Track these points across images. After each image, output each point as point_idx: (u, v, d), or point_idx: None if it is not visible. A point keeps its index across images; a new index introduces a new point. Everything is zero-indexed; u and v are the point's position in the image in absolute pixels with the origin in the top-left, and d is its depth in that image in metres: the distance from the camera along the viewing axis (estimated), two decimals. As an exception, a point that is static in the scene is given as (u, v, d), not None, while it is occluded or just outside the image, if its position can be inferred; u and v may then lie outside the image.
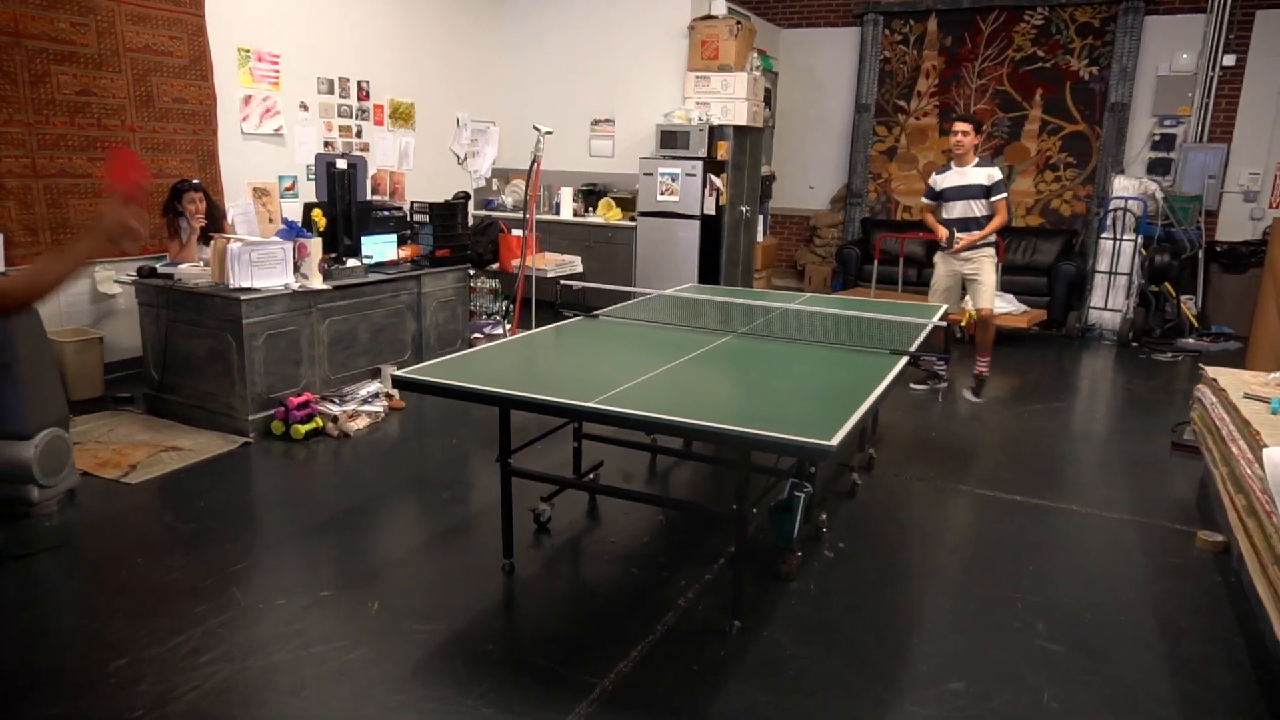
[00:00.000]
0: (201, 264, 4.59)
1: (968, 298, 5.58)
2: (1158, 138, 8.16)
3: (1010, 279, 7.68)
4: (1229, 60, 7.79)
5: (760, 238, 8.66)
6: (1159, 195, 7.62)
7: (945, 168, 5.48)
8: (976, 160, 5.37)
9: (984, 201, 5.32)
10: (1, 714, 2.02)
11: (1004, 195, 5.35)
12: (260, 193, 6.01)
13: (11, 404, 3.29)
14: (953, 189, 5.40)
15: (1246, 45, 7.75)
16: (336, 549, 3.27)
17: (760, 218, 8.60)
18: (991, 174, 5.32)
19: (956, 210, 5.41)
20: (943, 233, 5.48)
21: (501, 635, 2.76)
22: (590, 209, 7.96)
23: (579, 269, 6.80)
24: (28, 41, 4.59)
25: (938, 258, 5.63)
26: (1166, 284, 7.52)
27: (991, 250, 5.44)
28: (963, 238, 5.35)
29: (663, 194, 7.31)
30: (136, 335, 4.79)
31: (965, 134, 5.28)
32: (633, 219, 7.55)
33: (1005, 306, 7.12)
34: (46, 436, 3.36)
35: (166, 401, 4.59)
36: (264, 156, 6.03)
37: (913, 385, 5.62)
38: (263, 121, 5.98)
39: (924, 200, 5.67)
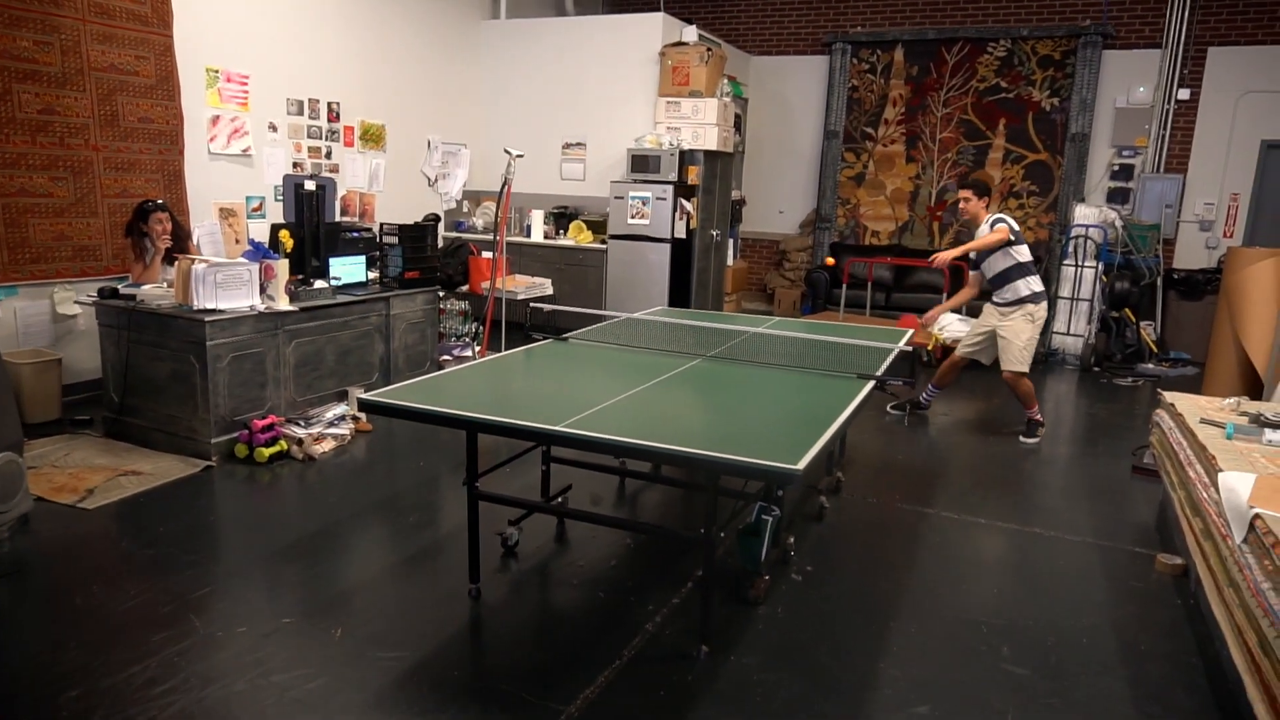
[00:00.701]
0: (165, 285, 4.53)
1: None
2: (1116, 168, 8.38)
3: (974, 304, 7.78)
4: (1184, 94, 8.03)
5: (730, 261, 8.73)
6: (1118, 223, 7.81)
7: (967, 236, 5.37)
8: (987, 218, 5.20)
9: (1004, 252, 5.14)
10: None
11: (991, 234, 5.08)
12: (227, 213, 5.95)
13: (-36, 427, 3.22)
14: (980, 253, 5.26)
15: (1200, 80, 7.99)
16: (300, 575, 3.22)
17: (730, 241, 8.67)
18: (991, 223, 5.14)
19: (985, 270, 5.29)
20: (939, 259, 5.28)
21: (467, 662, 2.73)
22: (561, 232, 7.98)
23: (549, 291, 6.81)
24: (-10, 58, 4.52)
25: (986, 306, 5.46)
26: (1127, 310, 7.68)
27: (1034, 307, 5.16)
28: (942, 255, 5.18)
29: (633, 217, 7.35)
30: (96, 357, 4.70)
31: (966, 200, 5.22)
32: (603, 242, 7.58)
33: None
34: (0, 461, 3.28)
35: (126, 424, 4.50)
36: (231, 177, 5.99)
37: (890, 409, 5.63)
38: (230, 142, 5.94)
39: (969, 269, 5.50)
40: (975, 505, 4.17)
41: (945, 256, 5.18)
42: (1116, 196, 8.35)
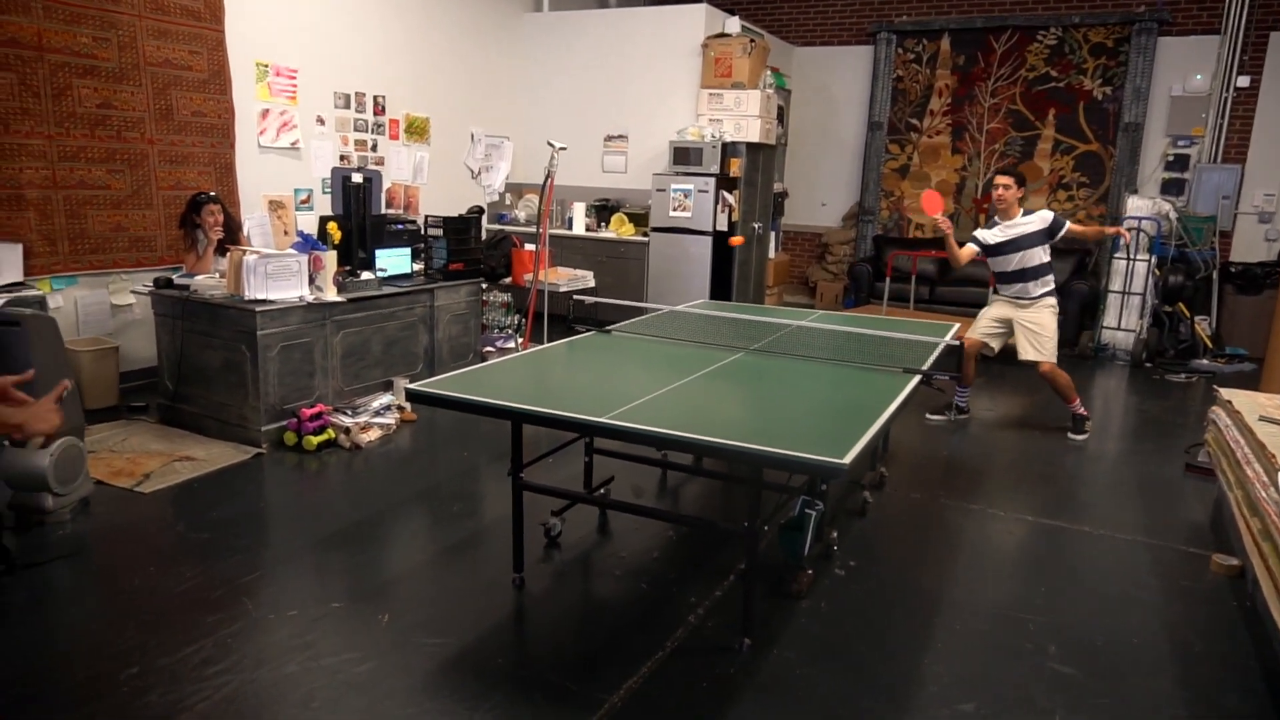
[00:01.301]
0: (217, 275, 4.63)
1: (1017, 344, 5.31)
2: (1171, 158, 8.16)
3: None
4: (1243, 81, 7.78)
5: (772, 254, 8.68)
6: (1173, 215, 7.61)
7: (991, 223, 5.24)
8: (1022, 211, 5.16)
9: (1044, 247, 5.11)
10: None
11: (1067, 225, 5.11)
12: (276, 205, 6.06)
13: (28, 412, 3.33)
14: (1008, 243, 5.15)
15: (1261, 66, 7.74)
16: (347, 561, 3.28)
17: (772, 234, 8.62)
18: (1044, 216, 5.11)
19: (1015, 262, 5.16)
20: (965, 252, 5.27)
21: (511, 649, 2.76)
22: (603, 224, 8.00)
23: (591, 284, 6.83)
24: (51, 55, 4.66)
25: (994, 298, 5.46)
26: (1180, 304, 7.48)
27: (1053, 300, 5.19)
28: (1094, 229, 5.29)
29: (675, 210, 7.34)
30: (152, 345, 4.83)
31: (1006, 188, 5.12)
32: (645, 235, 7.58)
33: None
34: (61, 445, 3.38)
35: (180, 411, 4.62)
36: (280, 170, 6.10)
37: (929, 416, 5.51)
38: (280, 135, 6.04)
39: (970, 246, 5.32)
40: (1021, 502, 4.10)
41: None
42: (1171, 188, 8.13)
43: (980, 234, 5.31)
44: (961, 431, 5.31)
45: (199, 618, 2.78)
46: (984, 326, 5.41)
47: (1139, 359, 7.25)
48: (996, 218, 5.28)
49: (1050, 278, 5.21)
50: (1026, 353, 5.20)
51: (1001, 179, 5.19)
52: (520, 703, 2.40)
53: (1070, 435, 5.19)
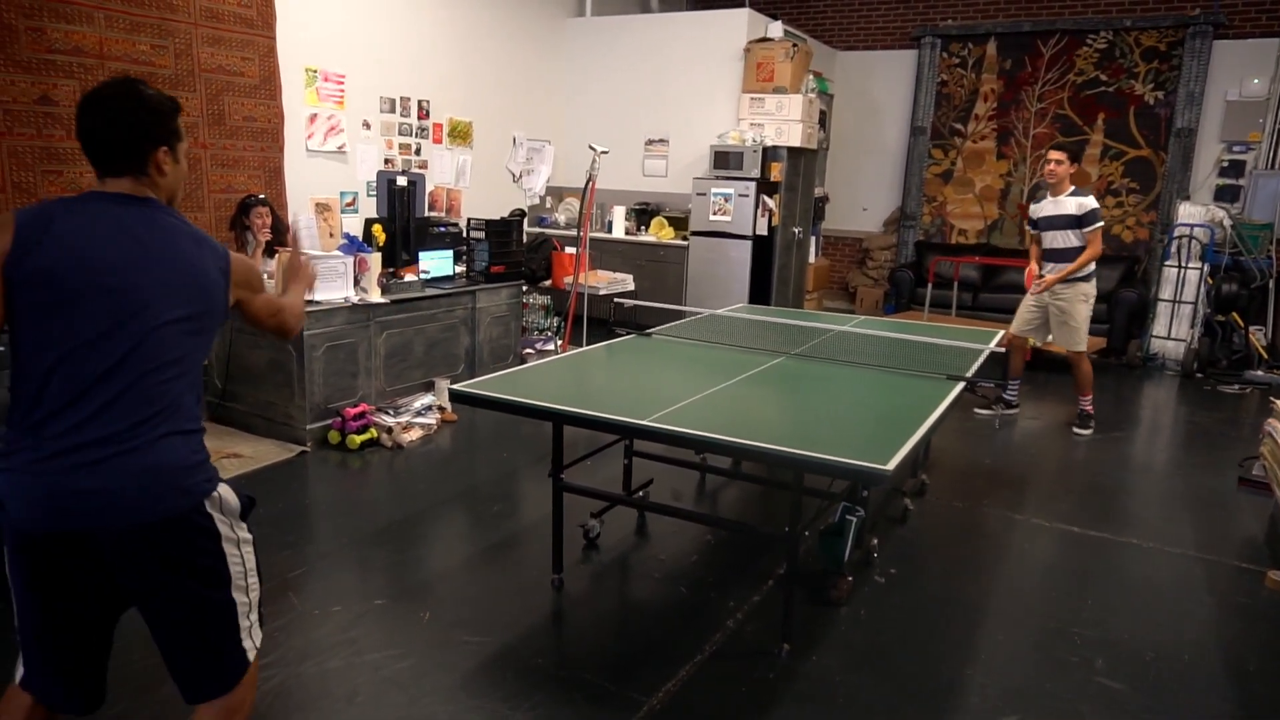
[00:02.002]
0: (265, 276, 4.71)
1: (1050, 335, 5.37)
2: (1226, 164, 7.95)
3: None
4: (1302, 85, 7.56)
5: (812, 259, 8.62)
6: (1227, 223, 7.41)
7: (1041, 197, 5.31)
8: (1071, 189, 5.15)
9: (1076, 232, 5.10)
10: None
11: (1098, 225, 5.07)
12: (322, 208, 6.17)
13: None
14: (1045, 219, 5.22)
15: (1321, 70, 7.52)
16: (390, 558, 3.32)
17: (812, 239, 8.57)
18: (1083, 203, 5.08)
19: (1047, 240, 5.24)
20: (1030, 272, 5.34)
21: (550, 650, 2.78)
22: (643, 228, 8.02)
23: (631, 287, 6.85)
24: (111, 63, 4.79)
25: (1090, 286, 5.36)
26: (1234, 314, 7.29)
27: (1088, 286, 5.18)
28: (1047, 278, 5.21)
29: (715, 214, 7.33)
30: (202, 344, 4.93)
31: (1059, 163, 5.10)
32: (685, 238, 7.58)
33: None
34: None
35: (229, 410, 4.72)
36: (327, 173, 6.20)
37: (977, 411, 5.50)
38: (327, 139, 6.15)
39: (1029, 230, 5.47)
40: (1067, 512, 4.03)
41: (1048, 282, 5.22)
42: (1225, 194, 7.93)
43: (1032, 207, 5.38)
44: (1005, 438, 5.23)
45: (246, 611, 2.83)
46: (1024, 317, 5.41)
47: (1190, 369, 7.08)
48: (1047, 191, 5.27)
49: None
50: (1056, 339, 5.27)
51: (1054, 154, 5.16)
52: (560, 703, 2.41)
53: (1075, 430, 5.26)
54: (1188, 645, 2.88)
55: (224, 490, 1.74)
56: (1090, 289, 5.22)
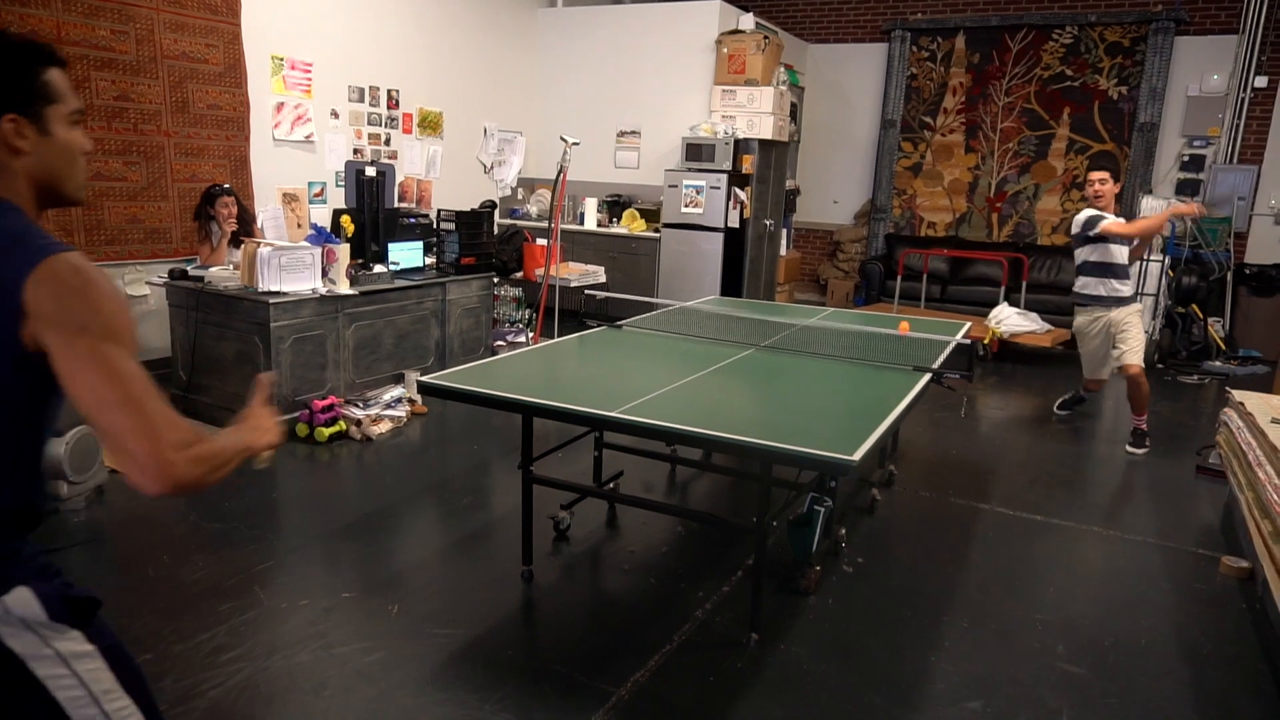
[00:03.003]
0: (231, 267, 4.66)
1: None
2: (1187, 158, 8.11)
3: (1034, 297, 7.65)
4: (1261, 82, 7.72)
5: (783, 251, 8.66)
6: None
7: (1095, 220, 4.94)
8: (1115, 210, 5.04)
9: (1090, 248, 4.95)
10: None
11: (1106, 221, 4.85)
12: (290, 198, 6.09)
13: (45, 401, 3.35)
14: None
15: (1279, 67, 7.68)
16: (359, 552, 3.30)
17: (784, 231, 8.61)
18: (1080, 219, 4.96)
19: (1119, 255, 4.98)
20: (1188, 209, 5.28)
21: (521, 641, 2.78)
22: (614, 220, 8.01)
23: (602, 279, 6.84)
24: (69, 48, 4.68)
25: (1080, 314, 5.17)
26: (1194, 306, 7.44)
27: (1139, 305, 5.09)
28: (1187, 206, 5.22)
29: (687, 206, 7.34)
30: (166, 336, 4.86)
31: (1103, 183, 4.94)
32: (657, 230, 7.58)
33: (1028, 325, 7.07)
34: (77, 434, 3.43)
35: (194, 402, 4.65)
36: (294, 163, 6.12)
37: (1056, 410, 5.51)
38: (294, 128, 6.07)
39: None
40: (1031, 502, 4.10)
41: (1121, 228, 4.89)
42: (1186, 188, 8.08)
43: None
44: (971, 430, 5.30)
45: (212, 606, 2.81)
46: (1095, 356, 5.21)
47: (1151, 360, 7.21)
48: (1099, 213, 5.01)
49: (1085, 279, 5.05)
50: (1122, 358, 4.98)
51: (1098, 174, 4.97)
52: (530, 694, 2.42)
53: (1129, 448, 4.96)
54: (1145, 630, 2.95)
55: (16, 597, 1.23)
56: (1139, 306, 5.12)
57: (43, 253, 1.17)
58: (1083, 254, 5.05)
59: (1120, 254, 4.98)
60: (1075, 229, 5.03)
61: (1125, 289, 5.02)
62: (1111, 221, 4.89)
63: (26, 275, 1.14)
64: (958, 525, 3.83)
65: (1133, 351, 4.96)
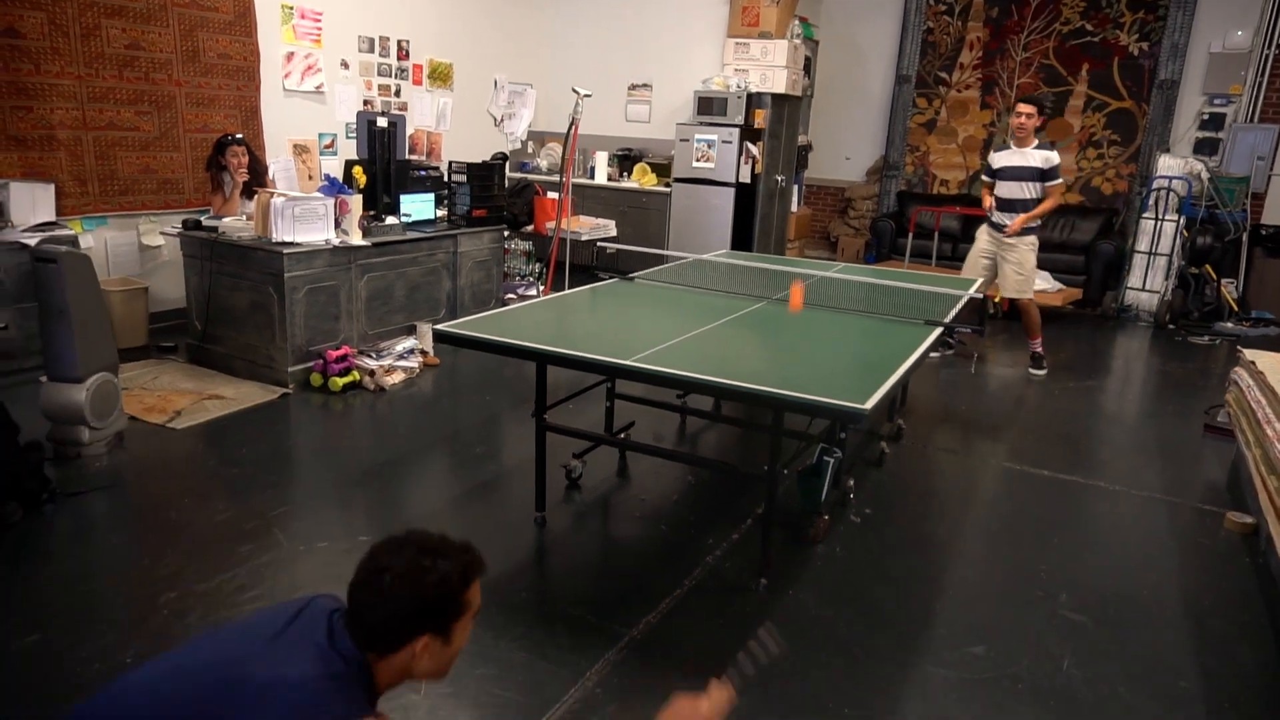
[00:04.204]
0: (245, 218, 4.67)
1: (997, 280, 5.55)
2: (1206, 116, 7.98)
3: (1047, 256, 7.57)
4: (1285, 38, 7.56)
5: (794, 208, 8.61)
6: (1204, 176, 7.47)
7: (1004, 146, 5.47)
8: (1036, 143, 5.32)
9: (1036, 184, 5.29)
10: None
11: (1059, 181, 5.32)
12: (300, 149, 6.08)
13: (65, 348, 3.41)
14: (1008, 169, 5.36)
15: (1304, 23, 7.52)
16: (374, 498, 3.36)
17: (795, 188, 8.55)
18: (1049, 158, 5.27)
19: (1006, 190, 5.38)
20: (989, 201, 5.47)
21: (534, 585, 2.84)
22: (625, 174, 7.96)
23: (613, 233, 6.82)
24: (79, -7, 4.65)
25: (980, 231, 5.62)
26: (1207, 266, 7.39)
27: (1034, 238, 5.41)
28: (1015, 221, 5.31)
29: (698, 160, 7.29)
30: (180, 286, 4.89)
31: (1029, 116, 5.21)
32: (668, 185, 7.54)
33: (1041, 284, 7.04)
34: (97, 380, 3.48)
35: (209, 351, 4.70)
36: (305, 113, 6.10)
37: (1031, 370, 5.57)
38: (304, 79, 6.03)
39: (984, 178, 5.64)
40: (1038, 457, 4.13)
41: (1017, 224, 5.34)
42: (1204, 147, 7.97)
43: (991, 156, 5.53)
44: (980, 386, 5.32)
45: (233, 547, 2.88)
46: (971, 264, 5.57)
47: (1162, 320, 7.20)
48: (1010, 142, 5.42)
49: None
50: (1008, 289, 5.44)
51: (1024, 106, 5.27)
52: (543, 634, 2.48)
53: (1031, 371, 5.47)
54: (1148, 582, 2.99)
55: None
56: (1036, 240, 5.45)
57: None
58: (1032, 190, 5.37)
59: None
60: (1048, 165, 5.31)
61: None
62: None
63: None
64: (965, 479, 3.87)
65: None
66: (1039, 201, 5.31)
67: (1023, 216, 5.31)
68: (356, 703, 1.25)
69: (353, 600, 1.35)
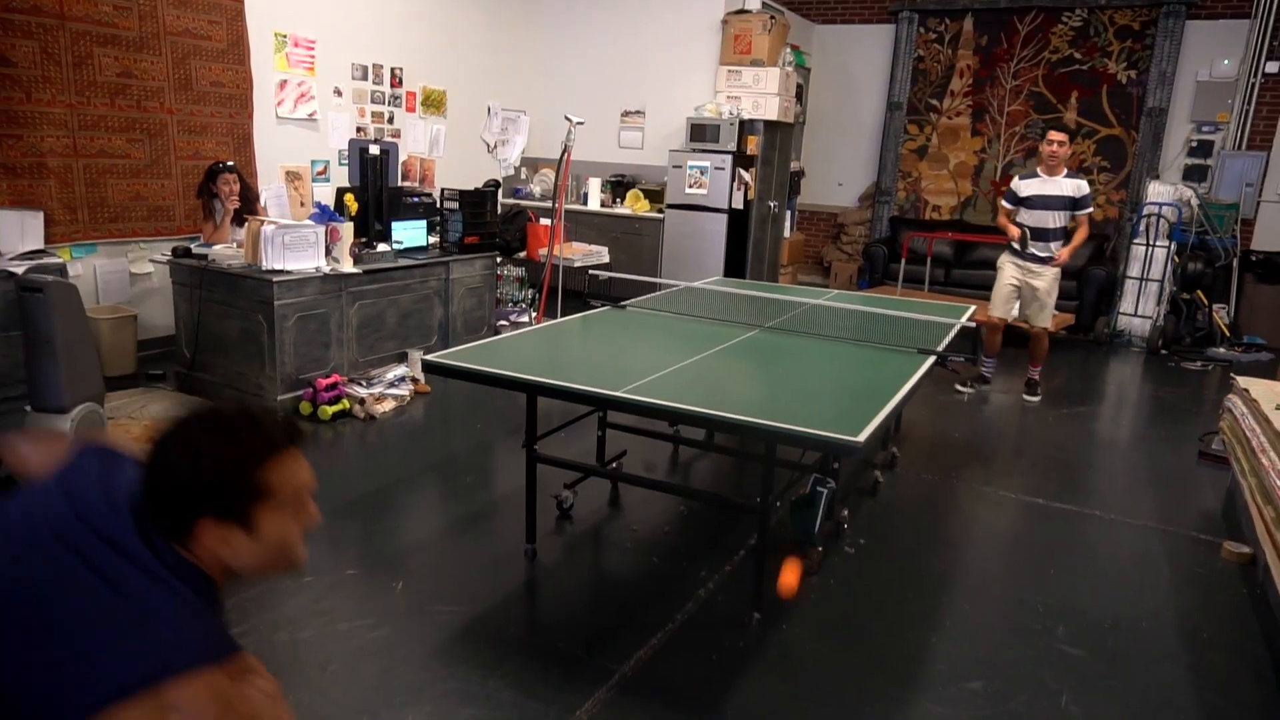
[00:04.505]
0: (235, 245, 4.65)
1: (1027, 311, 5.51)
2: (1195, 144, 8.05)
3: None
4: (1272, 67, 7.65)
5: (787, 233, 8.64)
6: (1194, 202, 7.52)
7: (1031, 174, 5.37)
8: (1066, 171, 5.28)
9: (1066, 214, 5.26)
10: None
11: (1091, 210, 5.33)
12: (293, 176, 6.07)
13: (50, 378, 3.37)
14: (1038, 197, 5.27)
15: (1290, 51, 7.61)
16: (362, 529, 3.32)
17: (788, 213, 8.58)
18: (1080, 186, 5.24)
19: (1034, 219, 5.29)
20: (1015, 231, 5.37)
21: (524, 619, 2.80)
22: (618, 200, 7.98)
23: (606, 259, 6.82)
24: (72, 24, 4.66)
25: (1004, 260, 5.53)
26: (1199, 292, 7.42)
27: (1058, 268, 5.40)
28: (1063, 251, 5.30)
29: (691, 187, 7.31)
30: (170, 314, 4.86)
31: (1061, 144, 5.18)
32: (660, 211, 7.56)
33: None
34: (82, 411, 3.44)
35: (198, 380, 4.66)
36: (297, 141, 6.10)
37: (959, 387, 5.60)
38: (297, 106, 6.04)
39: (1004, 204, 5.49)
40: (1033, 485, 4.10)
41: (1067, 254, 5.35)
42: (1193, 174, 8.04)
43: (1015, 183, 5.44)
44: (975, 413, 5.30)
45: (217, 581, 2.82)
46: (1005, 297, 5.52)
47: (1155, 346, 7.21)
48: (1040, 170, 5.35)
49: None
50: (1044, 319, 5.43)
51: (1056, 134, 5.25)
52: (532, 671, 2.44)
53: (1025, 396, 5.53)
54: (1146, 614, 2.96)
55: None
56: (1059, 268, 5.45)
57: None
58: (1062, 219, 5.36)
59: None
60: (1080, 194, 5.30)
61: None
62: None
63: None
64: (959, 508, 3.84)
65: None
66: (1066, 230, 5.28)
67: (1073, 244, 5.30)
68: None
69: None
